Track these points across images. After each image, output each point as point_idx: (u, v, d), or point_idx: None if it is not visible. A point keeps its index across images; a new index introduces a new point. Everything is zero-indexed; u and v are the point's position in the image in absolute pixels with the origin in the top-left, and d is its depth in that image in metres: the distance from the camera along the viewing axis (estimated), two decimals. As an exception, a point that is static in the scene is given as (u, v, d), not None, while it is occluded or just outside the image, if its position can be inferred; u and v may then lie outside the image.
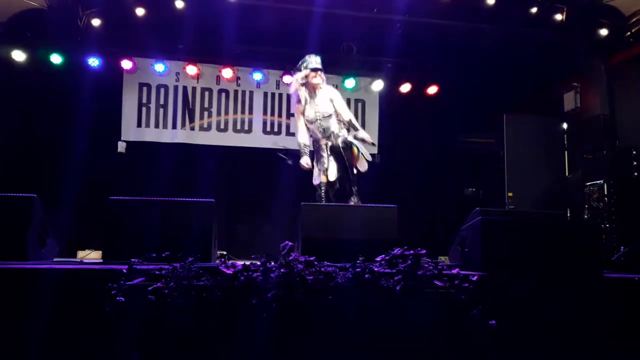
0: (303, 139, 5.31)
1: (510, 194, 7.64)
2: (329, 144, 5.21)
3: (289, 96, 8.44)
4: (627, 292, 3.39)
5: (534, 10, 7.35)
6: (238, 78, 8.30)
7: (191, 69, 8.00)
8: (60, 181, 6.75)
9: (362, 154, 5.10)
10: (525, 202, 7.52)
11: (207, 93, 8.28)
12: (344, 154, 5.13)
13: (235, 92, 8.36)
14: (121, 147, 7.85)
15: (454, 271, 3.02)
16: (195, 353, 2.70)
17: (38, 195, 3.70)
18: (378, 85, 8.32)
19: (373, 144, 5.39)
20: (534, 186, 7.69)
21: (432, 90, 8.39)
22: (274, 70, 8.27)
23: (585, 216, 7.15)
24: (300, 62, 5.35)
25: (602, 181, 7.02)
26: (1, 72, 7.28)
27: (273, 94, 8.45)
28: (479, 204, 6.83)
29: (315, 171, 5.25)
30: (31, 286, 2.88)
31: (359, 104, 8.51)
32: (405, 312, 2.87)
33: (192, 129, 8.20)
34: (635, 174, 6.68)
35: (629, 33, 7.14)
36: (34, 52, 7.35)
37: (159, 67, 7.92)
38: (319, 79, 5.19)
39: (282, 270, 2.80)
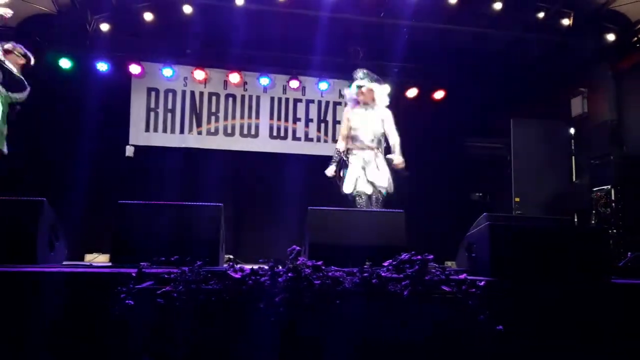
0: (339, 145, 5.49)
1: (517, 199, 7.62)
2: (360, 156, 5.25)
3: (295, 101, 8.51)
4: (634, 298, 3.38)
5: (541, 15, 7.36)
6: (245, 83, 8.36)
7: (199, 74, 8.05)
8: (68, 185, 6.80)
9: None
10: (532, 208, 7.49)
11: (214, 98, 8.33)
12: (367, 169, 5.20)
13: (242, 96, 8.41)
14: (129, 151, 7.91)
15: (462, 276, 3.02)
16: (203, 356, 2.71)
17: (46, 199, 3.73)
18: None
19: (404, 170, 5.41)
20: (540, 191, 7.65)
21: (439, 95, 8.40)
22: (280, 75, 8.33)
23: (593, 222, 7.12)
24: (353, 74, 5.47)
25: (609, 187, 6.99)
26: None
27: (280, 99, 8.50)
28: (485, 209, 6.85)
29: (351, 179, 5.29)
30: (40, 289, 2.91)
31: (366, 109, 8.52)
32: (413, 317, 2.87)
33: (200, 133, 8.25)
34: (643, 179, 6.67)
35: (635, 38, 7.13)
36: (43, 57, 7.40)
37: (167, 71, 7.98)
38: (362, 96, 5.32)
39: (289, 274, 2.81)
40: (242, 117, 8.38)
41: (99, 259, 6.49)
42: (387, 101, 5.48)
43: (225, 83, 8.32)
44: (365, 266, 2.99)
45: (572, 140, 8.07)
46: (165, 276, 2.79)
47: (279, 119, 8.48)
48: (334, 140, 8.47)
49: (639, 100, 7.16)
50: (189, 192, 7.19)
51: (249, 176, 8.21)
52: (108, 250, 6.60)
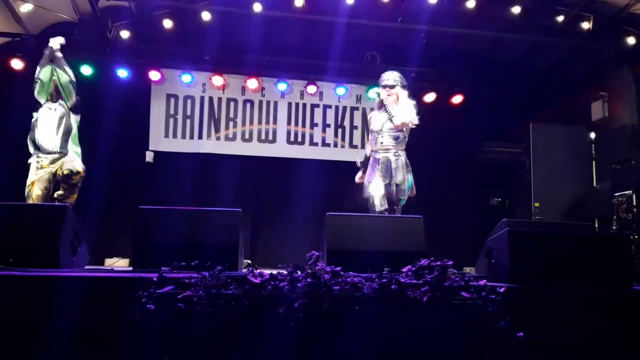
0: (366, 149, 5.50)
1: (536, 204, 7.54)
2: (380, 158, 5.23)
3: (312, 106, 8.53)
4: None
5: (561, 19, 7.30)
6: (263, 88, 8.41)
7: (217, 80, 8.12)
8: (88, 189, 6.88)
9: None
10: (552, 213, 7.42)
11: (232, 103, 8.39)
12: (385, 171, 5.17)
13: (260, 102, 8.46)
14: (149, 157, 8.00)
15: (481, 282, 3.00)
16: (223, 361, 2.73)
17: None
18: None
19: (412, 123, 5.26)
20: (561, 197, 7.57)
21: (457, 99, 8.36)
22: (298, 80, 8.35)
23: (614, 227, 7.02)
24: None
25: (630, 192, 6.90)
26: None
27: (297, 104, 8.53)
28: (504, 214, 6.80)
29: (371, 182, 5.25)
30: (63, 294, 2.95)
31: (383, 114, 8.52)
32: (432, 323, 2.86)
33: (218, 139, 8.32)
34: (665, 184, 6.57)
35: (656, 42, 7.05)
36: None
37: (186, 78, 8.06)
38: (384, 94, 5.25)
39: (308, 280, 2.82)
40: (259, 122, 8.43)
41: (118, 264, 6.58)
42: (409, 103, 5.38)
43: (243, 89, 8.38)
44: (384, 272, 2.99)
45: (593, 145, 7.97)
46: (186, 281, 2.81)
47: (296, 124, 8.51)
48: (351, 146, 8.49)
49: (661, 104, 7.07)
50: (207, 197, 7.27)
51: (267, 181, 8.25)
52: (127, 254, 6.73)
